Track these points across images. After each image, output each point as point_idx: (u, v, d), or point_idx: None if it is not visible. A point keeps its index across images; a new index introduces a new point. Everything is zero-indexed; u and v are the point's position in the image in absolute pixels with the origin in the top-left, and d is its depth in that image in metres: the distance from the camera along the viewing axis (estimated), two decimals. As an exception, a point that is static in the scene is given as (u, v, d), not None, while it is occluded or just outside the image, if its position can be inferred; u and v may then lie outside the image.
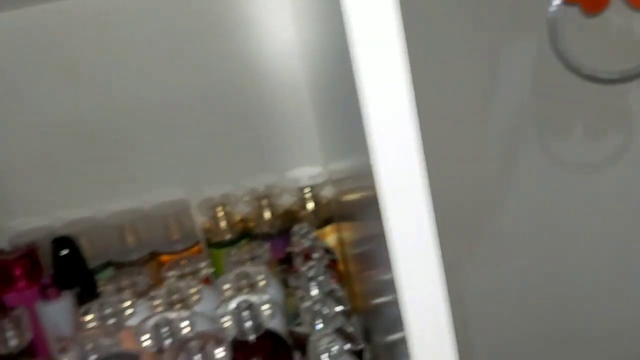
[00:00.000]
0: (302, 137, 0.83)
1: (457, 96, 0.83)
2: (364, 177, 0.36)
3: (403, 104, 0.31)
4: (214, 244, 0.78)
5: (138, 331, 0.53)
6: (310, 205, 0.80)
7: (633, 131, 0.87)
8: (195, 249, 0.78)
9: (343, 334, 0.49)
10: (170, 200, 0.81)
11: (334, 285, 0.58)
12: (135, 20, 0.79)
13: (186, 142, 0.83)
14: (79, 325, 0.59)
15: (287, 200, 0.81)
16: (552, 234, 0.90)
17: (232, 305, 0.53)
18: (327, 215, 0.80)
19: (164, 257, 0.77)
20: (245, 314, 0.52)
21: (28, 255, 0.73)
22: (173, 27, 0.79)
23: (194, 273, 0.66)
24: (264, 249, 0.68)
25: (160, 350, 0.52)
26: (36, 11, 0.76)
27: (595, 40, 0.82)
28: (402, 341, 0.35)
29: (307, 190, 0.80)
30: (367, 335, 0.63)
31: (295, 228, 0.72)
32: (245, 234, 0.79)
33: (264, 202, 0.79)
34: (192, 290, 0.59)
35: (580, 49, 0.76)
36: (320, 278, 0.58)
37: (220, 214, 0.78)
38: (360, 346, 0.51)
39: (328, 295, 0.56)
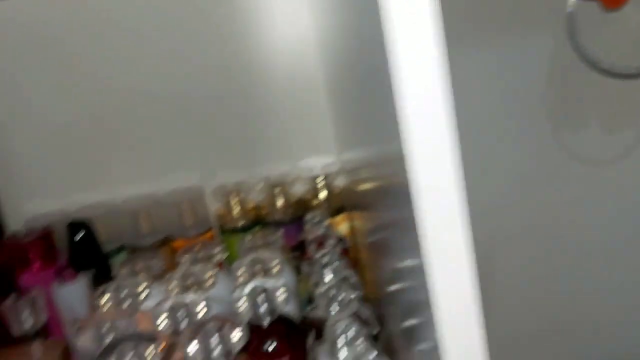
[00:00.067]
0: (316, 127, 0.83)
1: (475, 90, 0.83)
2: (390, 165, 0.36)
3: (438, 94, 0.32)
4: (227, 230, 0.79)
5: (154, 313, 0.54)
6: (323, 194, 0.81)
7: (649, 126, 0.86)
8: (208, 234, 0.79)
9: (359, 319, 0.50)
10: (185, 187, 0.82)
11: (348, 271, 0.58)
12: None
13: (201, 129, 0.83)
14: (94, 307, 0.60)
15: (300, 189, 0.82)
16: (566, 227, 0.90)
17: (247, 289, 0.54)
18: (339, 204, 0.80)
19: (177, 243, 0.77)
20: (260, 298, 0.53)
21: (44, 237, 0.73)
22: (193, 13, 0.80)
23: (209, 258, 0.66)
24: (278, 236, 0.69)
25: (176, 332, 0.53)
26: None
27: (613, 36, 0.82)
28: (426, 325, 0.35)
29: (320, 179, 0.81)
30: (380, 320, 0.64)
31: (309, 216, 0.73)
32: (258, 221, 0.80)
33: (277, 190, 0.79)
34: (208, 275, 0.59)
35: (598, 44, 0.76)
36: (335, 264, 0.59)
37: (234, 200, 0.79)
38: (377, 330, 0.51)
39: (343, 281, 0.56)
